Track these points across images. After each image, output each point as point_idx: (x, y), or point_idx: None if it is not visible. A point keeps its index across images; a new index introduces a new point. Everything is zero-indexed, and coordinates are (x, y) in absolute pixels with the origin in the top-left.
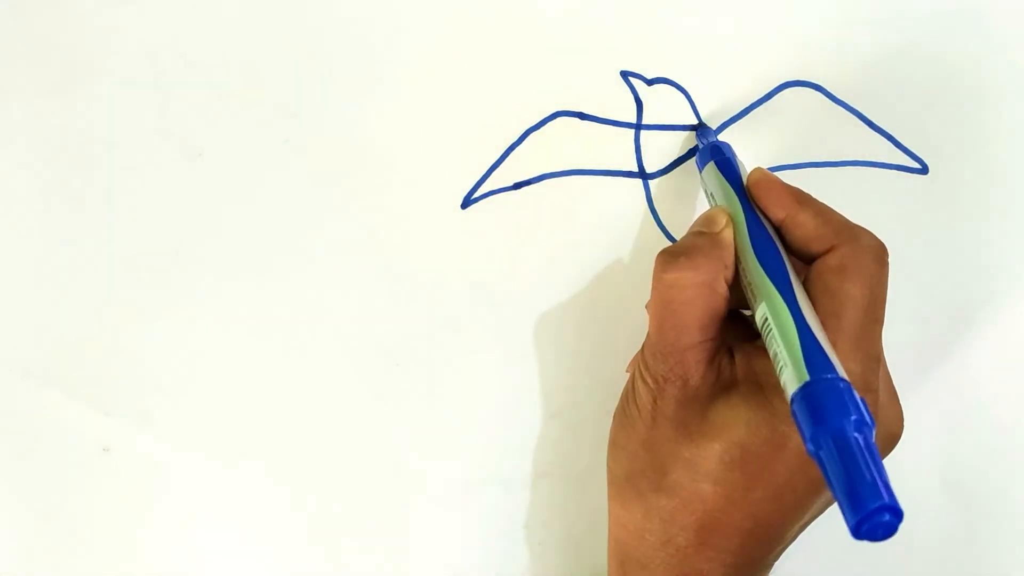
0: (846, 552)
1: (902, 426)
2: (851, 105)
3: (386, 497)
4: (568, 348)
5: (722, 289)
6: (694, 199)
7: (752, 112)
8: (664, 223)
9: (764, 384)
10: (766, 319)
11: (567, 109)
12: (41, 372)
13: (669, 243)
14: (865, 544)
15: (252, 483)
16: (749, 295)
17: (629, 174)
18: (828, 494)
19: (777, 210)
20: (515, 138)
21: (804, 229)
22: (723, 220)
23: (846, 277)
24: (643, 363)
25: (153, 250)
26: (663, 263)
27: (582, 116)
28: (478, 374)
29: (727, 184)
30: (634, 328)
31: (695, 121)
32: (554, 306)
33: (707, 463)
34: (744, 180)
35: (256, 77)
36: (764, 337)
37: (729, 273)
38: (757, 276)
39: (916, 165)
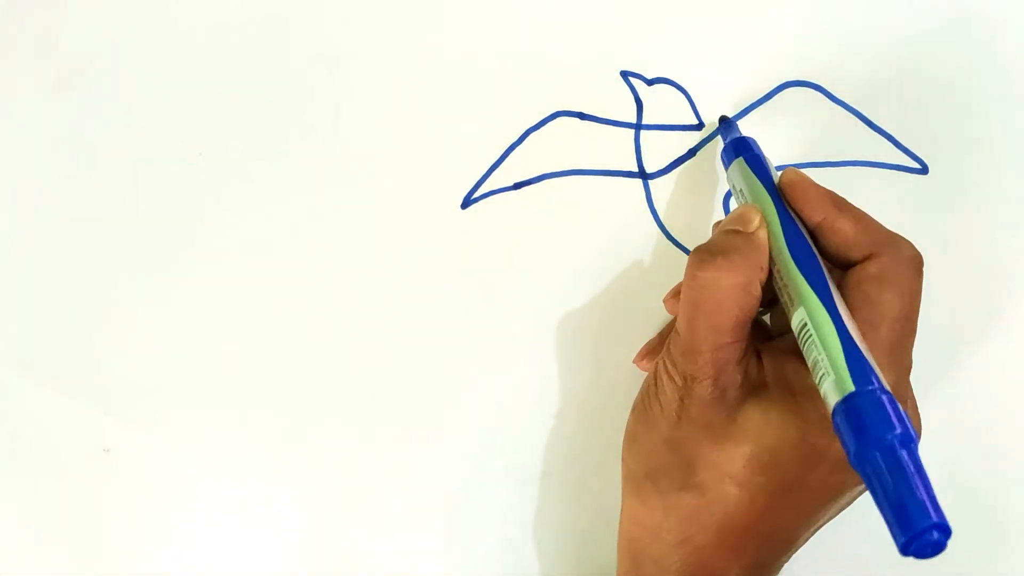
0: (848, 554)
1: (920, 432)
2: (851, 105)
3: (386, 497)
4: (568, 347)
5: (757, 291)
6: (694, 199)
7: (752, 112)
8: (664, 223)
9: (795, 389)
10: (805, 325)
11: (567, 109)
12: (41, 372)
13: (669, 243)
14: (866, 546)
15: (253, 483)
16: (784, 298)
17: (629, 174)
18: (847, 499)
19: (814, 213)
20: (515, 138)
21: (842, 235)
22: (756, 219)
23: (886, 287)
24: (670, 360)
25: (153, 250)
26: (698, 261)
27: (582, 116)
28: (479, 374)
29: (757, 182)
30: (634, 327)
31: (695, 121)
32: (554, 306)
33: (734, 466)
34: (774, 178)
35: (256, 77)
36: (801, 343)
37: (764, 276)
38: (795, 280)
39: (916, 165)
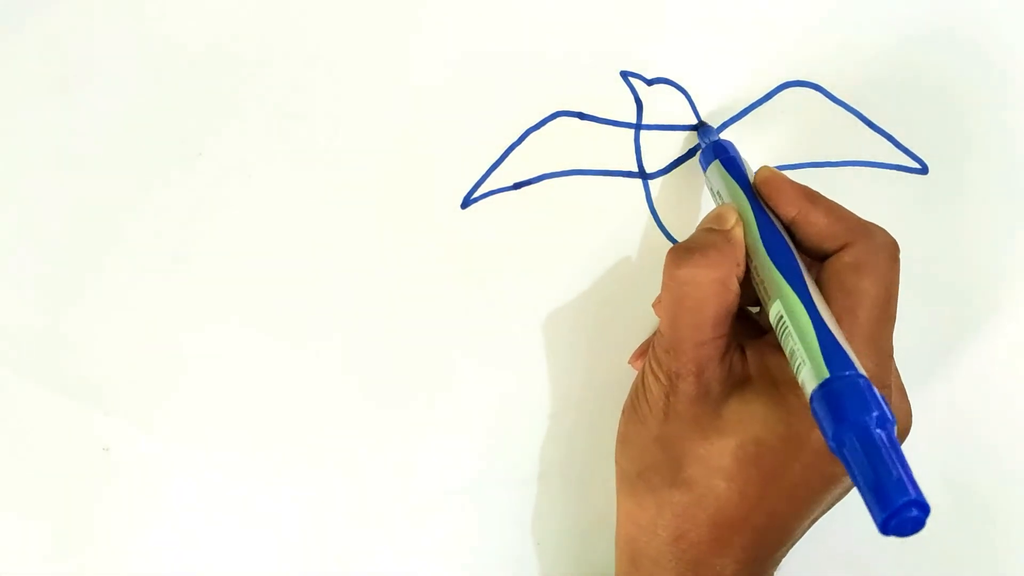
0: (847, 552)
1: (911, 422)
2: (851, 105)
3: (387, 497)
4: (568, 348)
5: (735, 286)
6: (694, 199)
7: (752, 112)
8: (664, 223)
9: (778, 380)
10: (781, 317)
11: (567, 109)
12: (41, 372)
13: (669, 243)
14: (865, 544)
15: (253, 483)
16: (761, 293)
17: (629, 174)
18: (840, 489)
19: (788, 208)
20: (515, 138)
21: (816, 227)
22: (733, 217)
23: (862, 274)
24: (654, 359)
25: (153, 250)
26: (676, 259)
27: (582, 116)
28: (478, 374)
29: (734, 182)
30: (634, 327)
31: (695, 121)
32: (554, 306)
33: (722, 459)
34: (750, 178)
35: (256, 77)
36: (779, 335)
37: (741, 271)
38: (770, 274)
39: (916, 165)
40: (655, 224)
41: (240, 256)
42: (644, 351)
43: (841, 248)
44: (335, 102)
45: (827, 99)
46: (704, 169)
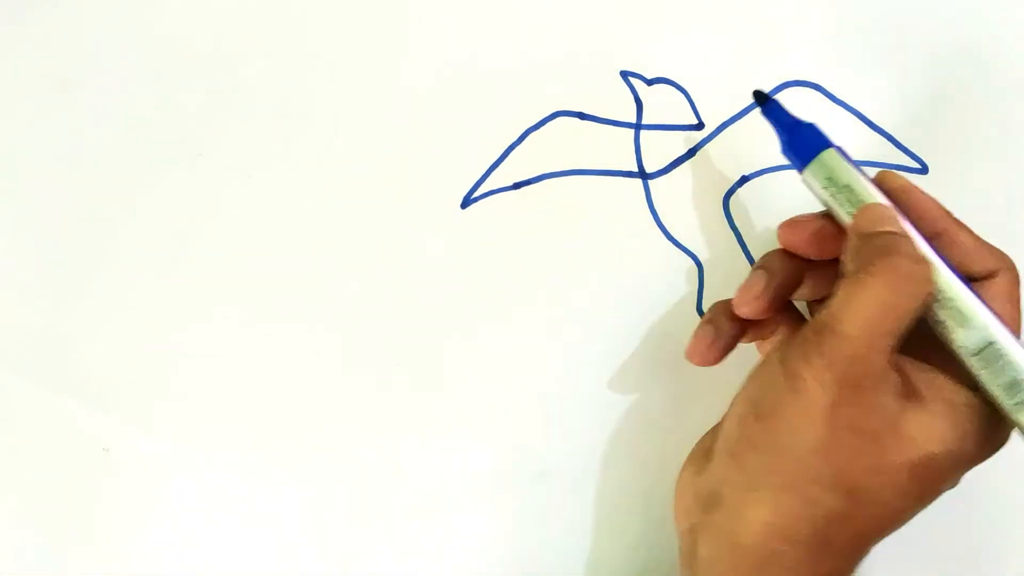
0: None
1: None
2: (851, 105)
3: (387, 497)
4: (568, 347)
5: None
6: (694, 199)
7: (752, 112)
8: (664, 223)
9: (953, 401)
10: (990, 343)
11: (567, 109)
12: (41, 372)
13: (669, 243)
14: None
15: (253, 483)
16: (942, 312)
17: (629, 174)
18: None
19: (936, 223)
20: (515, 138)
21: (963, 248)
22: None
23: (1014, 304)
24: (822, 365)
25: (153, 250)
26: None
27: (582, 116)
28: (478, 374)
29: (872, 187)
30: (634, 327)
31: (695, 121)
32: (554, 306)
33: (898, 475)
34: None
35: (256, 77)
36: (980, 361)
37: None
38: (962, 295)
39: (916, 165)
40: (655, 224)
41: (240, 256)
42: (758, 333)
43: (989, 275)
44: (335, 102)
45: (827, 99)
46: (800, 166)
